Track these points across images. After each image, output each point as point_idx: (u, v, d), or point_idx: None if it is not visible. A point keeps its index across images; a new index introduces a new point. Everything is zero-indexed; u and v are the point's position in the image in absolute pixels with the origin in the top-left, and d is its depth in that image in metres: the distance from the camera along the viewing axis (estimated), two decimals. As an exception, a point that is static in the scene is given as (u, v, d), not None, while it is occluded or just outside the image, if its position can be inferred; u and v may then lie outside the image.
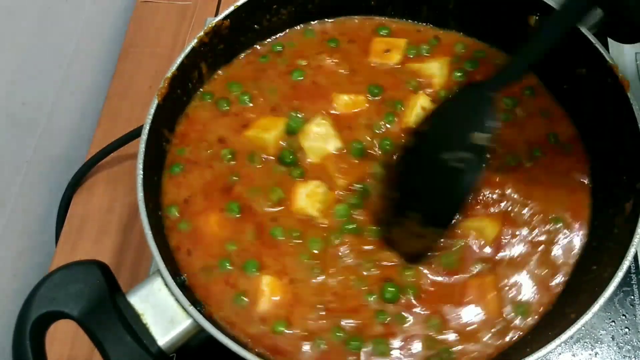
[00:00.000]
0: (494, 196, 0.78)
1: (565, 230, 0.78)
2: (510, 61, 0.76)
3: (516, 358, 0.67)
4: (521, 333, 0.72)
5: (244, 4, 0.87)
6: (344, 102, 0.86)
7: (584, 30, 0.80)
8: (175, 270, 0.72)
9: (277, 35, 0.94)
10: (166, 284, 0.68)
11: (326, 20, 0.95)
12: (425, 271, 0.75)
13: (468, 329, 0.72)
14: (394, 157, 0.81)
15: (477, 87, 0.76)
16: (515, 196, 0.79)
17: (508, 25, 0.87)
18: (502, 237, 0.76)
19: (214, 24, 0.86)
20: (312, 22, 0.95)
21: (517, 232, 0.77)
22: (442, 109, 0.77)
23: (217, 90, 0.89)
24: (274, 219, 0.79)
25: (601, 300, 0.66)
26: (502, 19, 0.88)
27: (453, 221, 0.74)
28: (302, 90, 0.88)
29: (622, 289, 0.85)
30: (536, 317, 0.73)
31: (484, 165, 0.72)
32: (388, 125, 0.84)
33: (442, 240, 0.75)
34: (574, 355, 0.82)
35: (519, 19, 0.87)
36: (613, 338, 0.82)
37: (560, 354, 0.82)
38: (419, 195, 0.74)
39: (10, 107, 0.96)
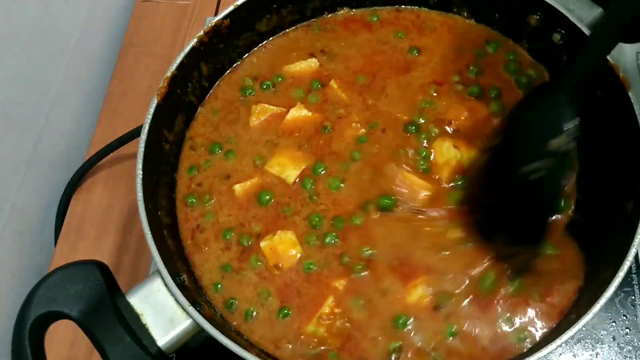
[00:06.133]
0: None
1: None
2: (581, 54, 0.69)
3: (517, 358, 0.67)
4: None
5: (243, 4, 0.87)
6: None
7: (584, 29, 0.79)
8: (174, 270, 0.72)
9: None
10: (165, 284, 0.68)
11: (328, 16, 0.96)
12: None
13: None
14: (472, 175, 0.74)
15: (547, 88, 0.70)
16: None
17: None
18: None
19: (213, 24, 0.86)
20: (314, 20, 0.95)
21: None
22: (513, 118, 0.71)
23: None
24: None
25: (602, 301, 0.65)
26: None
27: (543, 236, 0.69)
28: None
29: (623, 289, 0.85)
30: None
31: (569, 170, 0.67)
32: None
33: (539, 254, 0.70)
34: (574, 355, 0.81)
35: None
36: (614, 338, 0.82)
37: (560, 354, 0.81)
38: (503, 215, 0.69)
39: (9, 107, 0.96)
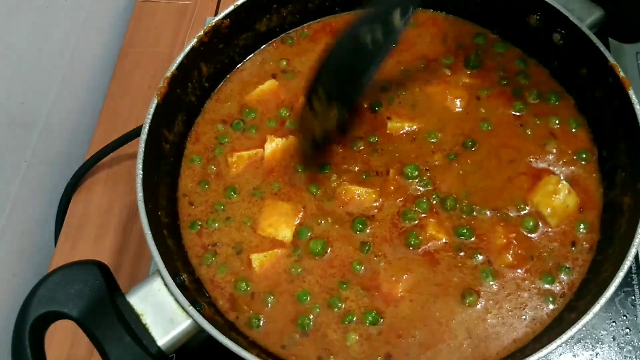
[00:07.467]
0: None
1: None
2: None
3: (517, 358, 0.67)
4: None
5: (243, 4, 0.87)
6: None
7: (585, 29, 0.79)
8: (174, 270, 0.72)
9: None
10: (165, 284, 0.68)
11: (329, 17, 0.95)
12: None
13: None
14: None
15: None
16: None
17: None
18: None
19: (213, 24, 0.86)
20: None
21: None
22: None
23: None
24: None
25: (602, 301, 0.66)
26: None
27: (354, 102, 0.82)
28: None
29: (623, 289, 0.85)
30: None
31: (388, 50, 0.75)
32: None
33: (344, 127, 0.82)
34: (574, 355, 0.81)
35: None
36: (614, 338, 0.82)
37: (561, 354, 0.81)
38: (329, 73, 0.74)
39: (9, 107, 0.96)
